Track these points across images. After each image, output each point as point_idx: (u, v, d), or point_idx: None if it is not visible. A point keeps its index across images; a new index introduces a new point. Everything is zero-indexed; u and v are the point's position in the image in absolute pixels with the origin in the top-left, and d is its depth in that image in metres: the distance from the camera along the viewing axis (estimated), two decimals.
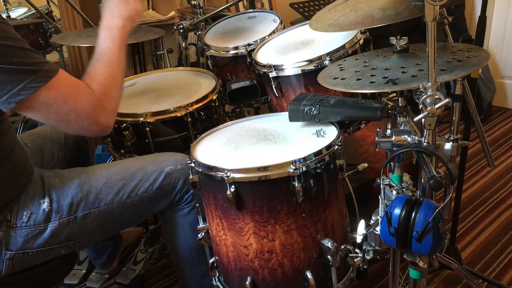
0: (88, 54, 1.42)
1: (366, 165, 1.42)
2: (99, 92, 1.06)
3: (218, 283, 1.20)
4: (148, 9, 2.89)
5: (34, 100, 0.98)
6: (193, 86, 1.65)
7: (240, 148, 1.13)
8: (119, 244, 1.84)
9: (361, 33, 1.37)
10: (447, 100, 0.82)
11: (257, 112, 1.86)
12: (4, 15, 2.34)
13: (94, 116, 1.05)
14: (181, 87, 1.66)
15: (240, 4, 2.86)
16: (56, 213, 1.14)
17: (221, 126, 1.27)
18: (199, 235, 1.19)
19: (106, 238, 1.67)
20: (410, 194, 0.97)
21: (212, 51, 1.70)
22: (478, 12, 2.31)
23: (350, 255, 1.13)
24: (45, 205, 1.13)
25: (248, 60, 1.61)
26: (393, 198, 0.93)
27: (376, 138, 0.99)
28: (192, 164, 1.09)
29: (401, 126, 1.01)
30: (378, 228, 0.96)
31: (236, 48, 1.64)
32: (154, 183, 1.25)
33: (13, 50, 0.95)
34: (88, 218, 1.18)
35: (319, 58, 1.30)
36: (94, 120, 1.05)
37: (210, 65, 1.77)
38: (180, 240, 1.37)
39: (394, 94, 1.35)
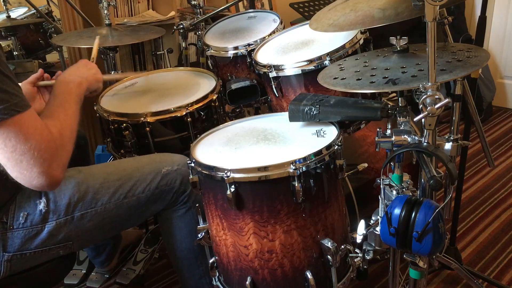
0: (88, 54, 1.41)
1: (366, 165, 1.42)
2: (59, 140, 1.00)
3: (218, 283, 1.20)
4: (148, 9, 2.89)
5: None
6: (193, 86, 1.65)
7: (240, 148, 1.13)
8: (118, 242, 1.84)
9: (361, 33, 1.37)
10: (447, 100, 0.82)
11: (257, 112, 1.86)
12: (4, 15, 2.34)
13: (48, 164, 0.96)
14: (181, 87, 1.66)
15: (240, 4, 2.86)
16: (54, 213, 1.14)
17: (221, 126, 1.27)
18: (199, 235, 1.19)
19: (105, 238, 1.68)
20: (410, 194, 0.97)
21: (212, 51, 1.70)
22: (478, 12, 2.31)
23: (350, 255, 1.13)
24: (41, 205, 1.13)
25: (248, 60, 1.61)
26: (393, 198, 0.93)
27: (376, 138, 0.99)
28: (192, 164, 1.09)
29: (401, 126, 1.01)
30: (378, 228, 0.96)
31: (236, 48, 1.64)
32: (151, 183, 1.26)
33: None
34: (85, 218, 1.18)
35: (319, 58, 1.30)
36: (46, 169, 0.96)
37: (210, 65, 1.77)
38: (177, 241, 1.37)
39: (394, 94, 1.35)
